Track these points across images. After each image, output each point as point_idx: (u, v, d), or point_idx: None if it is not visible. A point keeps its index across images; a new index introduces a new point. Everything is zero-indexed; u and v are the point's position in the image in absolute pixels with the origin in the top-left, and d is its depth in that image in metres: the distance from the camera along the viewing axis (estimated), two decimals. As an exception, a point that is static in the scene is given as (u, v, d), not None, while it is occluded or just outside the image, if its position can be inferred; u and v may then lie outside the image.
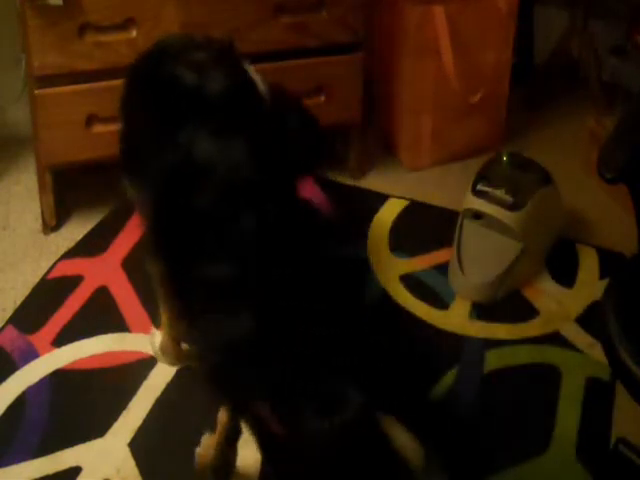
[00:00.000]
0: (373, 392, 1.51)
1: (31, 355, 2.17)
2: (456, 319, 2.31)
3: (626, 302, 1.65)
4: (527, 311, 2.34)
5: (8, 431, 1.99)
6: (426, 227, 2.63)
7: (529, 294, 2.39)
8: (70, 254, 2.47)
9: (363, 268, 2.32)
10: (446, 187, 2.78)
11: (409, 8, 2.61)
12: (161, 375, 2.13)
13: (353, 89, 2.62)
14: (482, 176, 2.42)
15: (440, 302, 2.36)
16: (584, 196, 2.70)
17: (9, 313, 2.29)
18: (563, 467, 1.95)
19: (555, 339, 2.26)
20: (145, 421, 2.03)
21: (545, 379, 2.15)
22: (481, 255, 2.37)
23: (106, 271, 2.42)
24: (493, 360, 2.19)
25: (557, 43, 3.15)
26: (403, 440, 1.57)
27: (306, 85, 2.51)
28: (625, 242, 2.11)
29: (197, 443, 1.97)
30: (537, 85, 3.19)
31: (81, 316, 2.28)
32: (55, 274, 2.41)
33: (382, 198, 2.73)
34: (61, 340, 2.21)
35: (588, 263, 2.49)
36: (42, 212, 2.54)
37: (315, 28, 2.48)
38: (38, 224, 2.57)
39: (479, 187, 2.38)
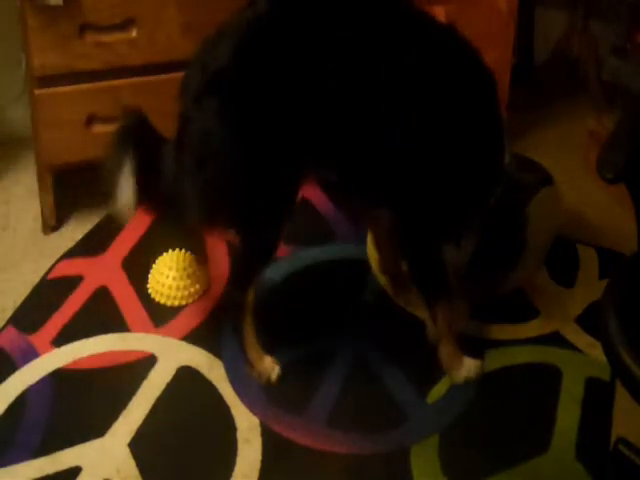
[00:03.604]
0: None
1: (31, 355, 2.17)
2: (456, 319, 2.31)
3: (626, 302, 1.65)
4: (527, 311, 2.34)
5: (8, 431, 1.99)
6: (426, 227, 2.62)
7: (529, 294, 2.39)
8: (70, 254, 2.47)
9: None
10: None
11: (409, 8, 2.61)
12: (161, 375, 2.13)
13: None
14: (482, 176, 2.41)
15: (440, 302, 2.36)
16: (584, 196, 2.70)
17: (9, 313, 2.29)
18: (563, 467, 1.95)
19: (555, 339, 2.26)
20: (145, 421, 2.03)
21: (545, 379, 2.15)
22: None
23: (106, 271, 2.42)
24: (493, 360, 2.19)
25: (557, 43, 3.15)
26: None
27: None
28: (625, 242, 2.10)
29: (196, 443, 1.97)
30: (537, 85, 3.18)
31: (81, 316, 2.28)
32: (55, 274, 2.41)
33: (382, 198, 2.73)
34: (61, 340, 2.21)
35: (588, 263, 2.49)
36: (42, 212, 2.55)
37: (315, 28, 2.48)
38: (38, 224, 2.57)
39: (479, 187, 2.37)
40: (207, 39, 1.91)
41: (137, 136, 1.98)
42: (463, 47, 1.95)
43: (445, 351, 2.12)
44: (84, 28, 2.30)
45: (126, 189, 1.91)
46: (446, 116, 1.92)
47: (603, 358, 1.66)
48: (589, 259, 2.50)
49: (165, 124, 2.51)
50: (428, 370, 2.16)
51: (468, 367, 2.12)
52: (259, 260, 2.06)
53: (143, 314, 2.30)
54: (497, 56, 2.78)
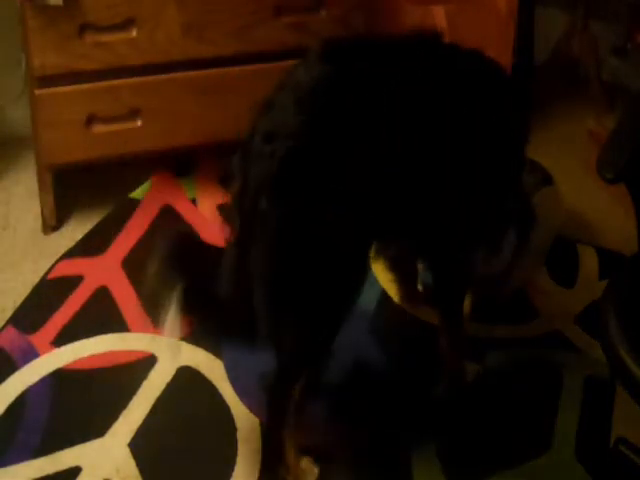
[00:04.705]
0: None
1: (31, 355, 2.17)
2: (456, 319, 2.31)
3: (626, 302, 1.65)
4: (527, 311, 2.34)
5: (8, 431, 1.99)
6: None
7: (529, 294, 2.39)
8: (70, 254, 2.47)
9: None
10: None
11: (409, 8, 2.61)
12: (161, 375, 2.13)
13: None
14: (482, 176, 2.41)
15: (440, 302, 2.36)
16: (584, 196, 2.69)
17: (9, 313, 2.29)
18: (563, 467, 1.95)
19: (555, 339, 2.26)
20: (145, 421, 2.03)
21: (545, 379, 2.15)
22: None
23: (106, 271, 2.42)
24: (493, 360, 2.19)
25: (557, 43, 3.15)
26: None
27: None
28: (625, 242, 2.10)
29: (196, 443, 1.97)
30: (537, 85, 3.18)
31: (81, 316, 2.28)
32: (55, 274, 2.41)
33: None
34: (61, 340, 2.21)
35: (588, 263, 2.49)
36: (42, 212, 2.55)
37: (315, 28, 2.48)
38: (38, 224, 2.57)
39: (479, 187, 2.37)
40: (255, 119, 1.67)
41: (185, 264, 1.73)
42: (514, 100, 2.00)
43: (454, 365, 2.13)
44: (84, 28, 2.30)
45: (173, 321, 1.70)
46: (501, 165, 1.93)
47: (603, 358, 1.66)
48: (589, 259, 2.50)
49: (164, 124, 2.52)
50: (428, 370, 2.16)
51: (468, 373, 2.14)
52: (314, 354, 1.83)
53: (143, 314, 2.30)
54: (497, 56, 2.78)
